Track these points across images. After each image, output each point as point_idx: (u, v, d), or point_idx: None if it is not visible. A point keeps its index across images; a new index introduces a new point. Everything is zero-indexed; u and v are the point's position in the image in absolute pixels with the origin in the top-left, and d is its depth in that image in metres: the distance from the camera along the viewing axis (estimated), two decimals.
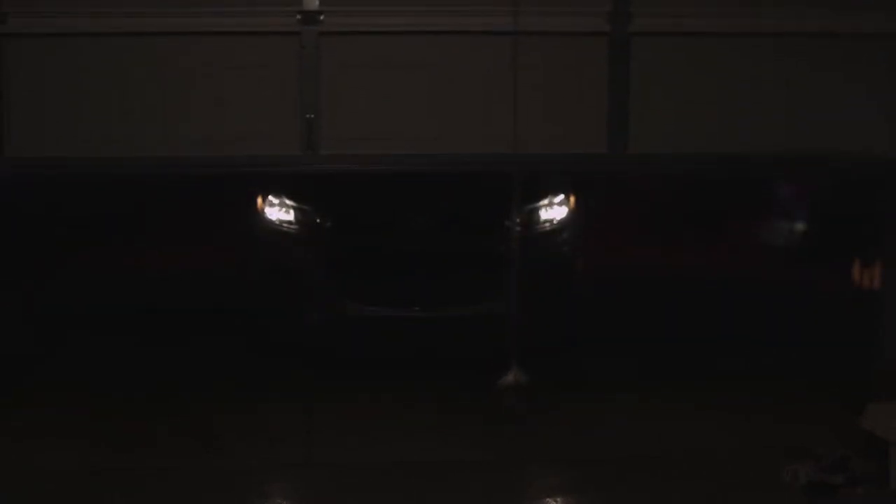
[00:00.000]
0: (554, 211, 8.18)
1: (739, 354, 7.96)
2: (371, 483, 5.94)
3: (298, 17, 6.32)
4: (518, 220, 7.70)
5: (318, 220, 7.94)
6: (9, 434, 6.50)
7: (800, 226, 11.02)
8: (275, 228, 8.06)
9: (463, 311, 7.75)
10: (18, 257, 9.76)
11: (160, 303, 8.99)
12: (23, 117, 6.35)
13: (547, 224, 8.15)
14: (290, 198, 8.03)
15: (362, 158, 6.60)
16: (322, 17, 6.34)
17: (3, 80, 6.32)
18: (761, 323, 8.37)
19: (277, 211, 8.10)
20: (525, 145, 6.41)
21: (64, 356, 7.99)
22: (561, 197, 8.25)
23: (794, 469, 5.71)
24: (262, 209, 8.13)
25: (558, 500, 5.93)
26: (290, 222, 8.00)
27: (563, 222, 8.19)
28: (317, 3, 6.33)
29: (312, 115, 6.36)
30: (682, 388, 7.29)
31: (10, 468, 6.06)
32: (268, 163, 6.58)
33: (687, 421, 6.76)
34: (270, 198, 8.10)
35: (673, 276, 10.01)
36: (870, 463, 5.73)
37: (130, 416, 6.84)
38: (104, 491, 5.79)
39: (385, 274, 7.74)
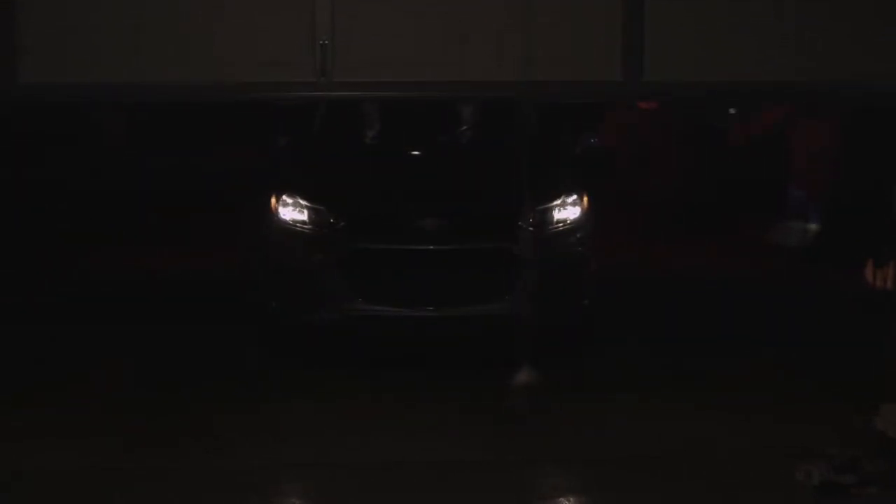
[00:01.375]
0: (568, 211, 8.02)
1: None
2: (374, 484, 5.83)
3: None
4: (531, 219, 7.73)
5: (326, 218, 7.79)
6: None
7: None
8: (284, 228, 7.92)
9: (477, 310, 7.60)
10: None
11: None
12: (37, 43, 6.20)
13: (560, 224, 7.97)
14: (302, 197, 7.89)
15: (375, 85, 6.52)
16: None
17: (16, 5, 6.17)
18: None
19: (290, 211, 7.94)
20: (539, 72, 6.29)
21: None
22: (574, 197, 8.09)
23: (807, 469, 5.64)
24: (275, 208, 7.98)
25: (567, 499, 5.83)
26: (302, 222, 7.85)
27: (577, 221, 8.02)
28: None
29: (326, 42, 6.25)
30: (689, 388, 7.24)
31: None
32: (281, 89, 6.48)
33: (689, 421, 6.66)
34: (285, 198, 7.95)
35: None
36: (882, 463, 5.66)
37: None
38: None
39: (395, 272, 7.59)
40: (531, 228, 7.70)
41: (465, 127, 9.10)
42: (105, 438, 6.34)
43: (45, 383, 7.25)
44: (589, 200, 8.17)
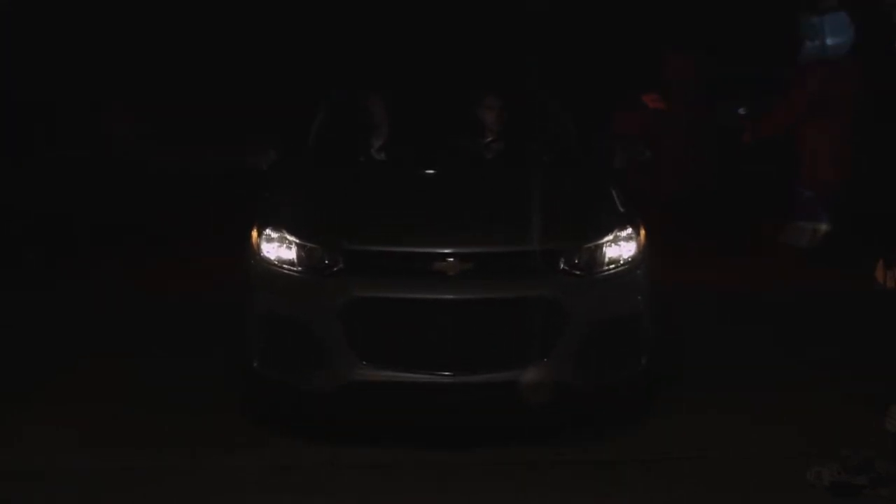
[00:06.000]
0: (622, 247, 6.38)
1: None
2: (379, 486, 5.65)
3: None
4: (576, 260, 6.20)
5: (320, 258, 6.20)
6: None
7: None
8: (268, 269, 6.32)
9: (507, 376, 5.97)
10: None
11: None
12: None
13: (613, 266, 6.31)
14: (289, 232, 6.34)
15: None
16: None
17: None
18: None
19: (276, 247, 6.33)
20: None
21: None
22: (629, 230, 6.43)
23: (818, 470, 5.59)
24: (257, 244, 6.40)
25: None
26: (290, 262, 6.26)
27: (633, 261, 6.40)
28: None
29: None
30: (694, 387, 7.07)
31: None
32: None
33: (696, 420, 6.54)
34: (269, 231, 6.38)
35: None
36: (894, 465, 5.59)
37: None
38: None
39: (405, 327, 5.99)
40: (577, 272, 6.14)
41: (489, 138, 7.64)
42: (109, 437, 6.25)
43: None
44: (646, 233, 6.53)
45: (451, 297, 5.93)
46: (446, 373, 5.92)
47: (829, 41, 10.35)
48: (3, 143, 11.34)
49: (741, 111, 12.74)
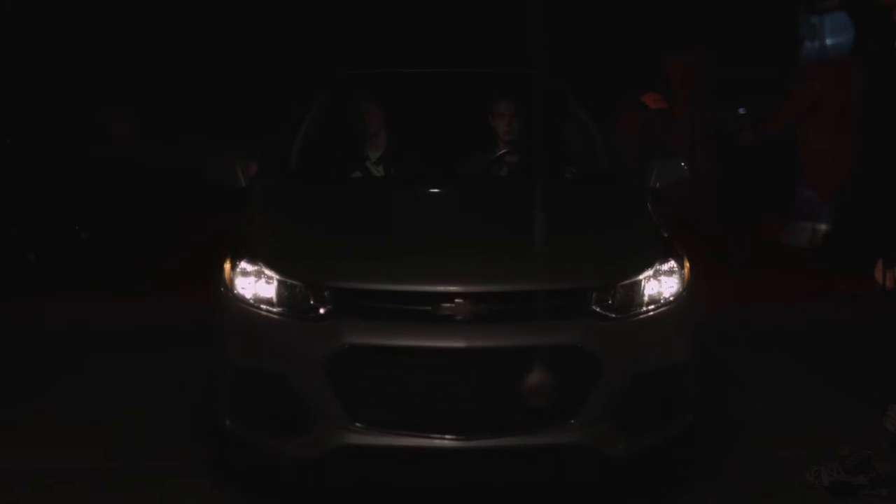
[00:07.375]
0: (663, 283, 5.24)
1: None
2: None
3: None
4: (609, 300, 5.06)
5: (304, 297, 5.06)
6: None
7: None
8: (242, 309, 5.19)
9: (528, 440, 4.93)
10: None
11: None
12: None
13: (653, 306, 5.18)
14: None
15: None
16: None
17: None
18: None
19: (252, 283, 5.18)
20: None
21: None
22: (671, 263, 5.28)
23: (817, 470, 5.59)
24: (230, 279, 5.26)
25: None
26: (268, 302, 5.13)
27: (676, 300, 5.25)
28: None
29: None
30: None
31: None
32: None
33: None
34: (244, 265, 5.22)
35: None
36: (893, 465, 5.59)
37: None
38: None
39: (405, 381, 4.92)
40: (610, 314, 5.03)
41: (502, 150, 6.62)
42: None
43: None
44: (690, 266, 5.39)
45: (460, 345, 4.85)
46: (454, 436, 4.89)
47: (829, 41, 10.39)
48: (3, 143, 11.36)
49: (741, 111, 12.80)
